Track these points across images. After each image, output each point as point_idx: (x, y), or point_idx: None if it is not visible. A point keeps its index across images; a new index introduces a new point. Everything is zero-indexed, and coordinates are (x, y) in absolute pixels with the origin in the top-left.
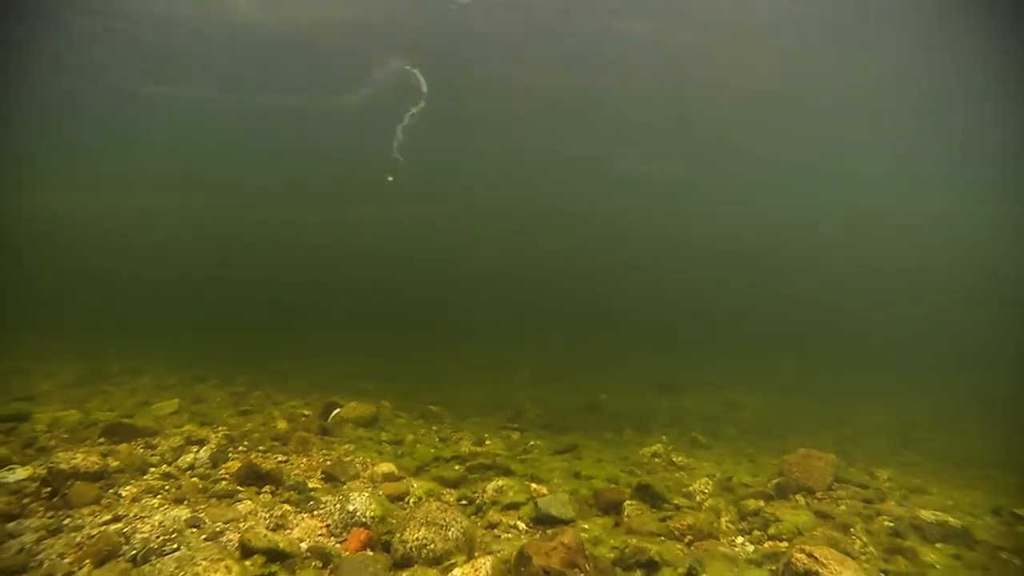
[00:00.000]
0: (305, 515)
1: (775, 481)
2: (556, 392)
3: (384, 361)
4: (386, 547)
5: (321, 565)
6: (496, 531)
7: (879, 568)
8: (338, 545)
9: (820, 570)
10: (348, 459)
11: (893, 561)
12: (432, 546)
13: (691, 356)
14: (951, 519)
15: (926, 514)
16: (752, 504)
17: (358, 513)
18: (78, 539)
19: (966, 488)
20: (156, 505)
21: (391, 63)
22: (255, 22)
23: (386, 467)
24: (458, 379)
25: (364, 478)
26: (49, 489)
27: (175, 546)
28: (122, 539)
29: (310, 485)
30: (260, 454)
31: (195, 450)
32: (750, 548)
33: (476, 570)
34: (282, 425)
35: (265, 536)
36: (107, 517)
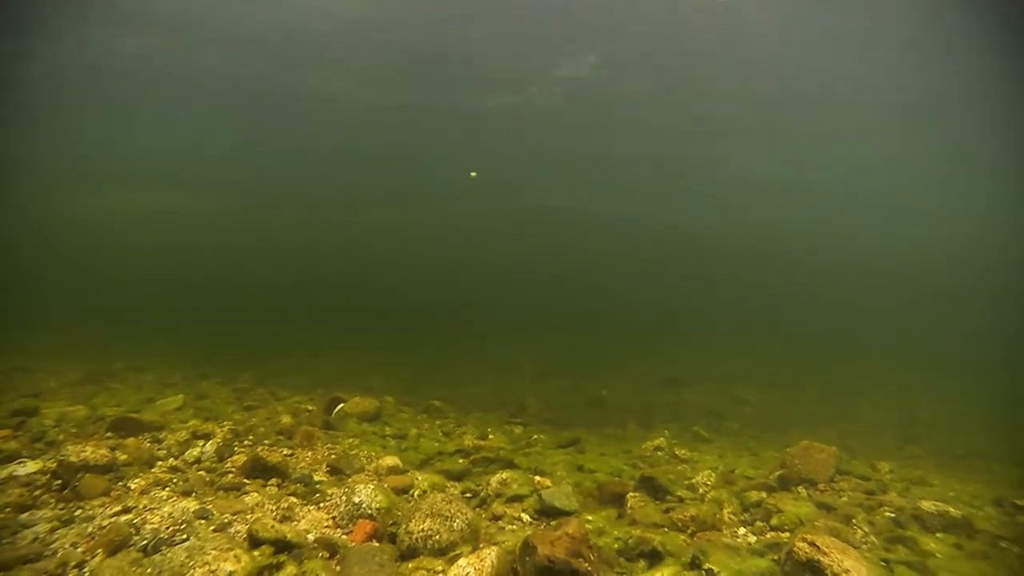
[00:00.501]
0: (311, 507)
1: (777, 473)
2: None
3: (397, 357)
4: (392, 538)
5: (328, 556)
6: (501, 523)
7: (880, 557)
8: (344, 536)
9: (822, 559)
10: (353, 453)
11: (894, 550)
12: (437, 537)
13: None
14: (952, 509)
15: (927, 505)
16: (754, 496)
17: (364, 505)
18: (90, 529)
19: (968, 480)
20: (165, 497)
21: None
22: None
23: (391, 460)
24: (471, 375)
25: (369, 471)
26: (59, 482)
27: (185, 536)
28: (133, 530)
29: (316, 478)
30: (266, 448)
31: (201, 444)
32: (752, 539)
33: (481, 560)
34: (286, 420)
35: (273, 527)
36: (117, 508)
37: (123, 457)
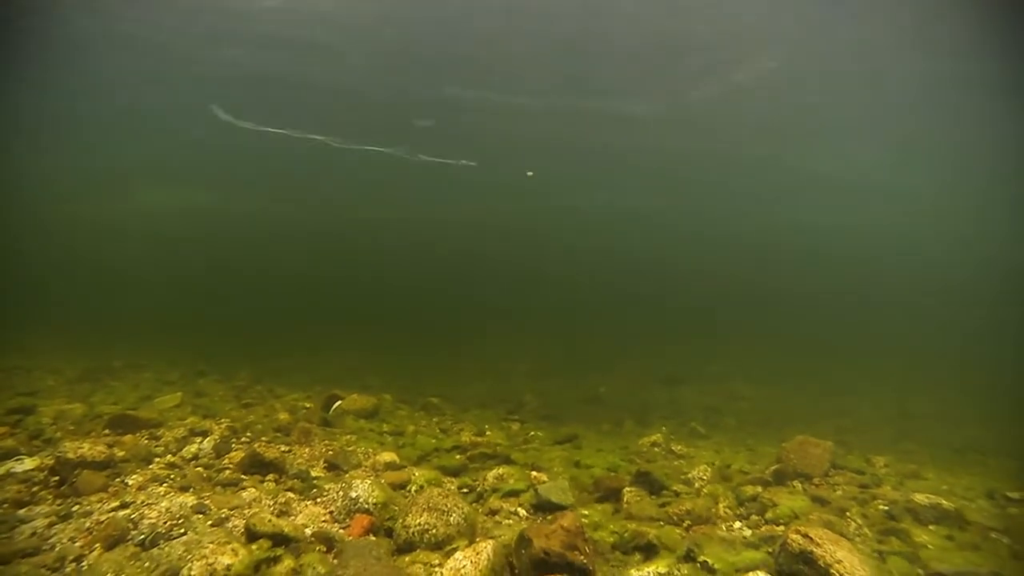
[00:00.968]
0: (308, 502)
1: (773, 468)
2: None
3: (396, 356)
4: (389, 533)
5: (325, 549)
6: (497, 517)
7: (873, 548)
8: (341, 531)
9: (815, 550)
10: (350, 449)
11: (887, 542)
12: (434, 531)
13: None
14: (945, 502)
15: (920, 497)
16: (750, 490)
17: (361, 500)
18: (87, 524)
19: (962, 473)
20: (162, 493)
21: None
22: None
23: (388, 456)
24: (472, 373)
25: (366, 467)
26: (57, 478)
27: (182, 531)
28: (130, 524)
29: (313, 474)
30: (263, 444)
31: (199, 441)
32: (747, 532)
33: (477, 554)
34: (284, 417)
35: (270, 521)
36: (115, 504)
37: (121, 454)
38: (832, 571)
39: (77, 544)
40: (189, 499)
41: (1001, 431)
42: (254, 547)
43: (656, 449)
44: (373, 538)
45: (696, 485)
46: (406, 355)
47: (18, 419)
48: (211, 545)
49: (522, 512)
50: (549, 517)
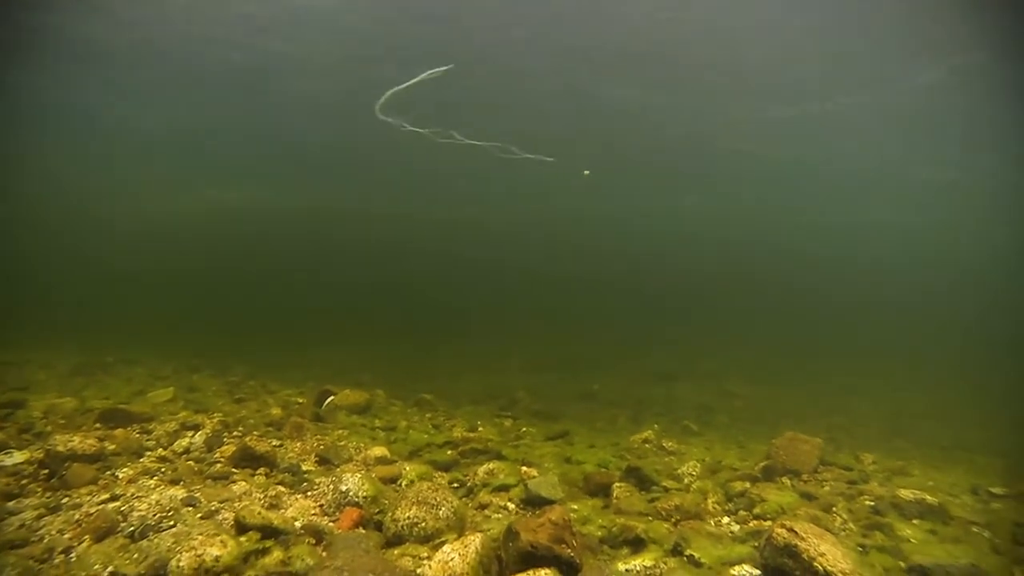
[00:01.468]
0: (299, 495)
1: (762, 464)
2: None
3: (393, 353)
4: (378, 526)
5: (314, 542)
6: (486, 511)
7: (857, 542)
8: (331, 523)
9: (799, 543)
10: (342, 444)
11: (871, 536)
12: (423, 524)
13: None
14: (929, 497)
15: (905, 493)
16: (739, 486)
17: (351, 493)
18: (77, 516)
19: (949, 470)
20: (152, 486)
21: None
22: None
23: (379, 451)
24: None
25: (357, 461)
26: (47, 471)
27: (172, 523)
28: (120, 517)
29: (304, 467)
30: (255, 438)
31: (190, 435)
32: (735, 527)
33: (465, 546)
34: (276, 412)
35: (260, 514)
36: (105, 496)
37: (112, 447)
38: (816, 564)
39: (66, 536)
40: (179, 492)
41: (990, 429)
42: (243, 539)
43: (647, 446)
44: (362, 531)
45: (686, 481)
46: (406, 355)
47: (8, 413)
48: (200, 537)
49: (511, 506)
50: (538, 511)
